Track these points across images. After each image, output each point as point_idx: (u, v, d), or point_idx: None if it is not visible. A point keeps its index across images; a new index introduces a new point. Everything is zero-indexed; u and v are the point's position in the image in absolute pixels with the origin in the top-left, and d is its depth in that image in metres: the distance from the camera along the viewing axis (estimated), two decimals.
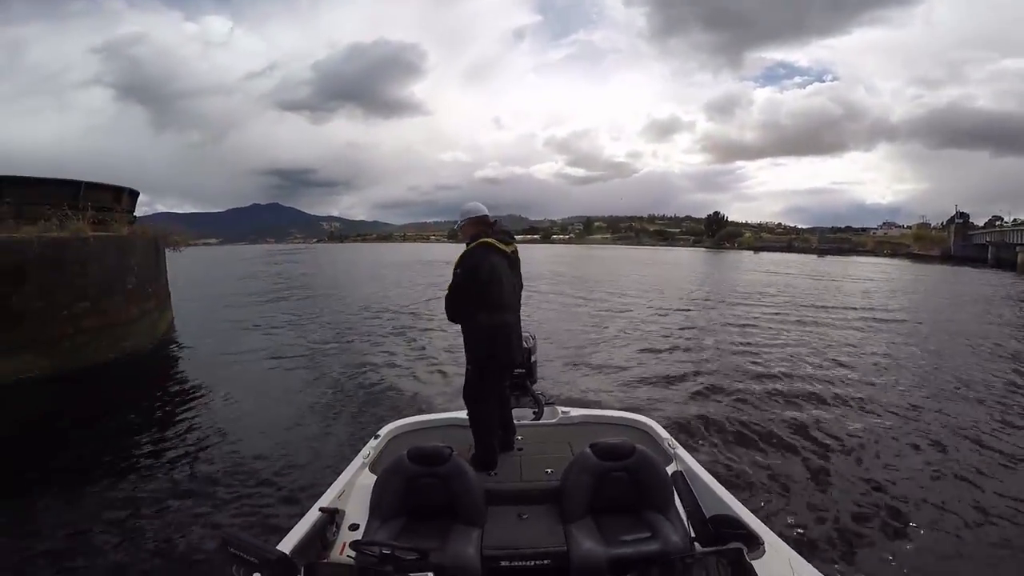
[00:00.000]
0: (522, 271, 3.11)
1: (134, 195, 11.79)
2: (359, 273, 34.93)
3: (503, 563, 2.12)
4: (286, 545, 1.93)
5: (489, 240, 2.87)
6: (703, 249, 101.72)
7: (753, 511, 2.38)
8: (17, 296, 6.82)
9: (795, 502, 4.10)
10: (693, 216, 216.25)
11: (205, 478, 4.61)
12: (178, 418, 6.17)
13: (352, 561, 1.95)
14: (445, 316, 3.01)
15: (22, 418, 6.02)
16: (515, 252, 2.99)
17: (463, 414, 3.16)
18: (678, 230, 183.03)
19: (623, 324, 12.92)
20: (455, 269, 2.88)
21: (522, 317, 3.13)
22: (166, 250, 12.15)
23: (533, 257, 58.99)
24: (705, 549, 1.86)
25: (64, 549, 3.51)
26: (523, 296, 3.15)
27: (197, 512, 3.93)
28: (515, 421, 3.27)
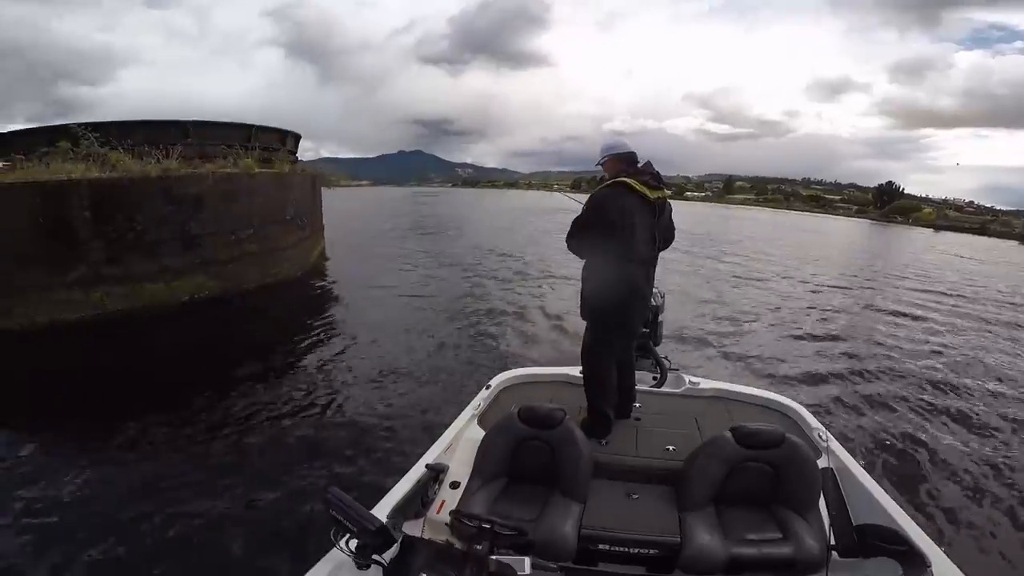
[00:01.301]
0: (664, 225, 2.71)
1: (297, 138, 13.19)
2: (487, 216, 36.12)
3: (602, 546, 1.95)
4: (389, 501, 1.91)
5: (628, 180, 2.49)
6: (867, 221, 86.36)
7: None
8: (195, 222, 8.06)
9: (972, 526, 3.45)
10: (859, 184, 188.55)
11: (327, 415, 4.86)
12: (311, 346, 6.81)
13: (447, 531, 1.92)
14: (569, 259, 2.78)
15: (193, 329, 7.25)
16: (661, 199, 2.60)
17: (579, 371, 2.94)
18: (838, 197, 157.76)
19: (762, 294, 11.72)
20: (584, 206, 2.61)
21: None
22: (326, 188, 13.64)
23: None
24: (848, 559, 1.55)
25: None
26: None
27: (311, 451, 4.12)
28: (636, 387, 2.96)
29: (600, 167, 2.75)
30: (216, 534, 3.11)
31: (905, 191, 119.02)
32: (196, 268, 8.16)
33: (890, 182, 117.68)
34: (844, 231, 46.72)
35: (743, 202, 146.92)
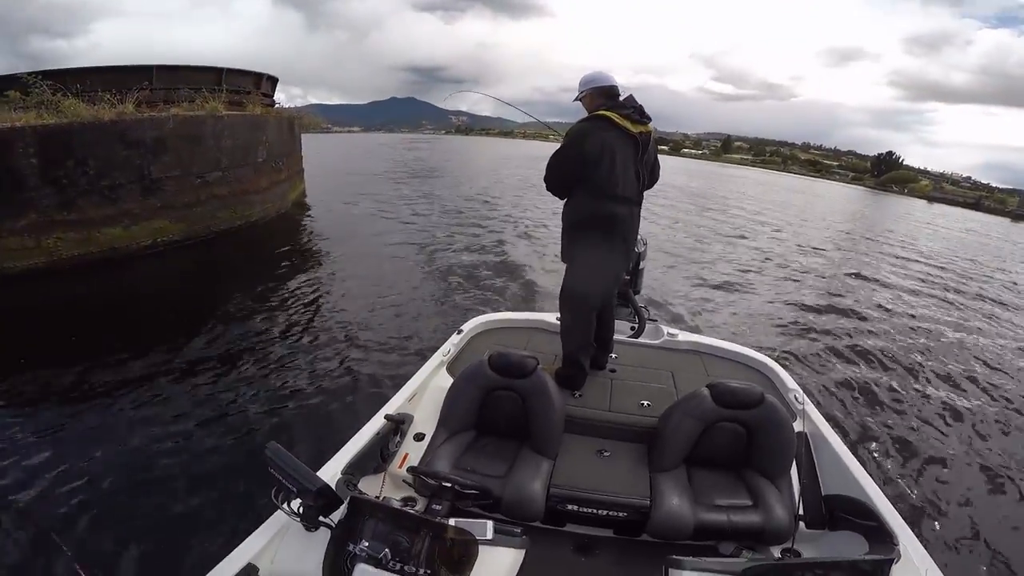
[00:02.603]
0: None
1: (273, 81, 12.56)
2: (479, 163, 35.54)
3: (570, 507, 1.87)
4: (345, 455, 1.81)
5: (608, 113, 2.32)
6: (862, 188, 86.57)
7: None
8: (155, 166, 7.74)
9: (944, 504, 3.38)
10: (858, 152, 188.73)
11: (289, 353, 4.79)
12: (275, 287, 6.80)
13: (409, 487, 1.85)
14: (553, 203, 2.63)
15: (150, 277, 7.18)
16: (646, 134, 2.40)
17: (556, 318, 2.81)
18: (835, 163, 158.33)
19: (749, 251, 11.74)
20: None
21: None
22: (313, 134, 13.00)
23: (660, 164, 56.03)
24: (835, 559, 1.40)
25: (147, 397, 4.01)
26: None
27: (267, 398, 4.02)
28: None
29: (580, 103, 2.54)
30: (156, 489, 2.99)
31: (904, 162, 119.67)
32: (157, 212, 7.91)
33: (890, 152, 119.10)
34: (836, 195, 46.90)
35: (740, 162, 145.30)
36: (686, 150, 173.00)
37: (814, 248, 13.16)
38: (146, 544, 2.57)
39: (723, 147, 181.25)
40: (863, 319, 7.35)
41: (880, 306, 8.20)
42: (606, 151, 2.30)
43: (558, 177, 2.47)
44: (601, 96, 2.44)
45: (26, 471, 3.07)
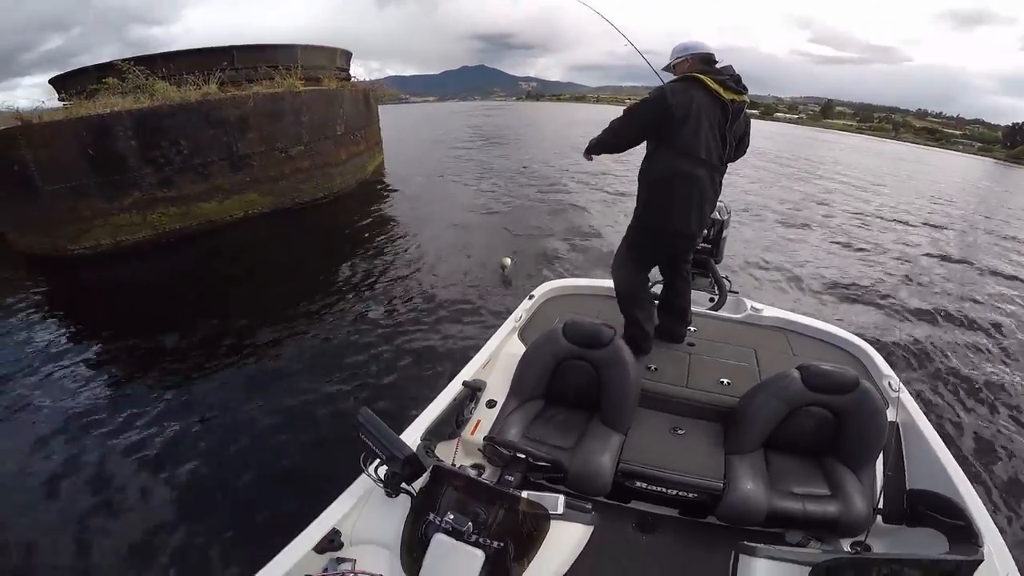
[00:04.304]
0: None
1: (347, 55, 12.74)
2: (550, 128, 34.55)
3: (639, 484, 1.82)
4: (424, 421, 1.84)
5: (701, 76, 2.21)
6: (991, 160, 73.38)
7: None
8: (241, 143, 8.12)
9: None
10: (986, 121, 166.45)
11: (372, 322, 4.97)
12: (360, 254, 7.03)
13: (480, 454, 1.88)
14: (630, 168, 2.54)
15: (246, 245, 7.63)
16: (737, 103, 2.28)
17: None
18: (958, 132, 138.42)
19: (845, 223, 10.49)
20: None
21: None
22: (391, 105, 13.14)
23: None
24: (916, 556, 1.33)
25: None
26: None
27: (353, 364, 4.18)
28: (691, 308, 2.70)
29: (671, 72, 2.40)
30: (253, 447, 3.23)
31: None
32: (247, 186, 8.38)
33: None
34: (957, 167, 40.14)
35: (843, 127, 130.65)
36: (780, 114, 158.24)
37: (928, 224, 11.42)
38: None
39: (823, 111, 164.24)
40: (977, 307, 6.33)
41: (999, 296, 6.98)
42: (693, 111, 2.19)
43: (628, 129, 2.34)
44: (698, 62, 2.32)
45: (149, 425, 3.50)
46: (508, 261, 5.92)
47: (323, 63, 11.31)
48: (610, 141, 2.41)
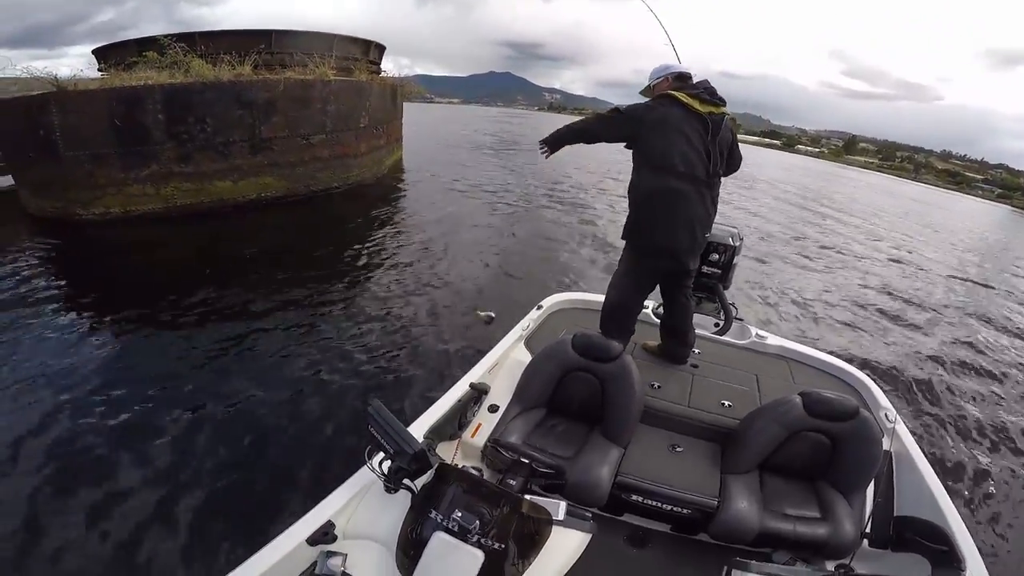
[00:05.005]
0: (737, 170, 2.50)
1: (381, 49, 12.75)
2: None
3: (635, 497, 1.86)
4: (427, 420, 1.86)
5: (674, 92, 2.28)
6: (1007, 206, 72.85)
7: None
8: (265, 126, 8.08)
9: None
10: (1010, 167, 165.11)
11: (378, 318, 4.88)
12: (367, 247, 6.95)
13: (480, 456, 1.92)
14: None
15: (254, 228, 7.61)
16: (715, 116, 2.30)
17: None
18: (980, 177, 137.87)
19: (856, 262, 10.36)
20: None
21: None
22: (418, 104, 13.24)
23: (767, 160, 50.97)
24: None
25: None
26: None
27: (356, 356, 4.11)
28: (696, 331, 2.77)
29: (649, 93, 2.47)
30: (254, 431, 3.14)
31: None
32: (264, 169, 8.32)
33: None
34: (968, 212, 39.50)
35: (864, 164, 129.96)
36: (801, 147, 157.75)
37: (941, 275, 11.08)
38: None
39: (845, 147, 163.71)
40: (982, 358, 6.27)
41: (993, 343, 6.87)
42: (664, 125, 2.26)
43: (597, 127, 2.42)
44: (674, 80, 2.40)
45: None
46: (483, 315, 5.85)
47: (357, 54, 11.29)
48: (578, 134, 2.46)
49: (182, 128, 7.17)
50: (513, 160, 18.32)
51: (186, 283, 5.28)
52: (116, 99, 6.72)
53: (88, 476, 2.72)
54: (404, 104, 14.37)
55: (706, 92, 2.29)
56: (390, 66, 13.58)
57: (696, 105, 2.26)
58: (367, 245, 7.01)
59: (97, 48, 9.89)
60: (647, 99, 2.42)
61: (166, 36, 8.15)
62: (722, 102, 2.32)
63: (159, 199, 7.30)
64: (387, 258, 6.59)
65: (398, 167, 13.44)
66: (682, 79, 2.40)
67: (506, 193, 11.74)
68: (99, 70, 9.42)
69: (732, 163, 2.48)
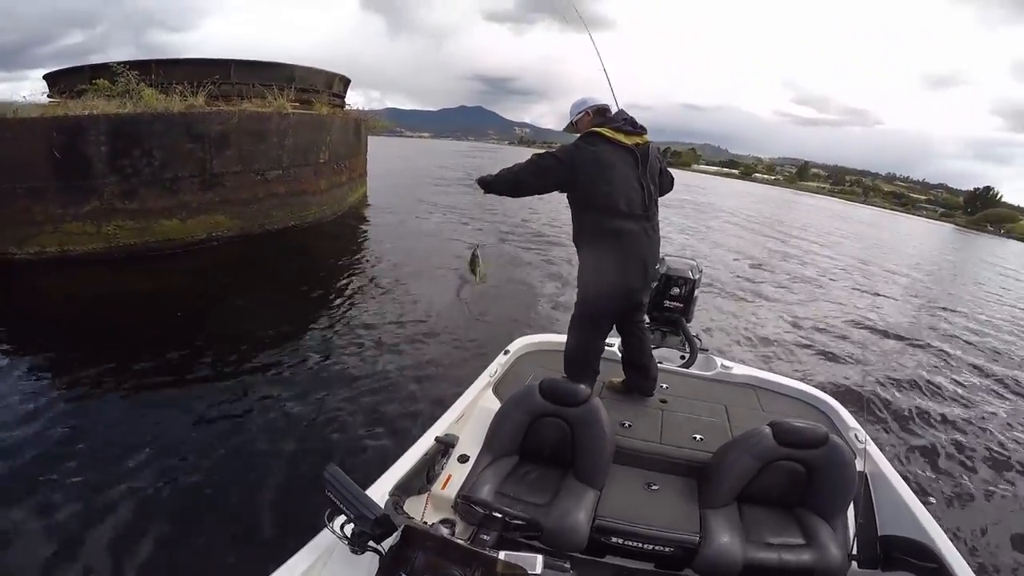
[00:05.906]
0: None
1: (345, 81, 12.61)
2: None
3: (615, 540, 1.84)
4: (393, 475, 1.80)
5: (599, 129, 2.31)
6: (950, 225, 78.80)
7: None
8: (217, 160, 7.80)
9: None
10: (950, 186, 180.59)
11: (335, 368, 4.56)
12: (323, 290, 6.61)
13: (451, 509, 1.88)
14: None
15: (200, 270, 7.19)
16: (641, 145, 2.36)
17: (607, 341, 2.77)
18: (923, 197, 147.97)
19: (815, 289, 10.68)
20: None
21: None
22: (385, 137, 13.10)
23: (727, 190, 53.00)
24: None
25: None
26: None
27: (313, 413, 3.80)
28: (659, 364, 2.78)
29: (573, 129, 2.50)
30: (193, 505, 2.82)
31: (1003, 199, 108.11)
32: (215, 207, 7.95)
33: (987, 187, 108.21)
34: (916, 233, 42.08)
35: (816, 189, 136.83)
36: (758, 175, 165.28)
37: (888, 297, 11.56)
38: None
39: (799, 173, 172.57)
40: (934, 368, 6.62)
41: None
42: (604, 168, 2.27)
43: (535, 180, 2.39)
44: (596, 115, 2.43)
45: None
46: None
47: (319, 86, 11.19)
48: (511, 186, 2.45)
49: (127, 161, 6.84)
50: (480, 196, 18.36)
51: (123, 334, 4.91)
52: (57, 128, 6.39)
53: None
54: (372, 138, 14.29)
55: (628, 124, 2.34)
56: (360, 99, 13.58)
57: (622, 139, 2.30)
58: (320, 291, 6.62)
59: (48, 73, 9.56)
60: (574, 135, 2.45)
61: (119, 63, 7.90)
62: (644, 130, 2.37)
63: (100, 238, 6.86)
64: (340, 303, 6.23)
65: (362, 203, 13.19)
66: (602, 113, 2.44)
67: (474, 232, 11.53)
68: (48, 96, 9.05)
69: (664, 186, 2.54)
